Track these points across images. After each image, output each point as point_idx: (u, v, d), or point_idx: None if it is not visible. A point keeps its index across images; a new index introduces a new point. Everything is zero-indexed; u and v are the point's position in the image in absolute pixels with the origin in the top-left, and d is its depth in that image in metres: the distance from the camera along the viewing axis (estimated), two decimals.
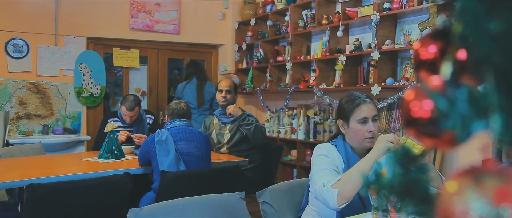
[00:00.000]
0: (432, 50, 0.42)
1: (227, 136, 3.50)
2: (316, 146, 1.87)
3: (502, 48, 0.35)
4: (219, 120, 3.60)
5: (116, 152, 3.05)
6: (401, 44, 3.55)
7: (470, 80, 0.37)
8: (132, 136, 3.50)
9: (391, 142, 1.56)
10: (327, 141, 1.94)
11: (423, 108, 0.37)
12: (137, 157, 2.93)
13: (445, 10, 0.42)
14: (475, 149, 0.43)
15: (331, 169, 1.71)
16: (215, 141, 3.56)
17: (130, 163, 2.99)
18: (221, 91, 3.59)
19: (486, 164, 0.36)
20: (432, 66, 0.42)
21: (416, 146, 1.31)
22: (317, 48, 4.49)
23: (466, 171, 0.35)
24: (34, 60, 4.54)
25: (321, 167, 1.72)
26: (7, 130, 4.11)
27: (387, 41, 3.63)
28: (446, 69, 0.38)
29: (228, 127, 3.53)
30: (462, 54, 0.38)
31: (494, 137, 0.36)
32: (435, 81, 0.38)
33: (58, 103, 4.67)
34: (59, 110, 4.68)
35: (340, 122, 1.84)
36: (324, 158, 1.77)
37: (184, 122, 2.89)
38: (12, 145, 3.94)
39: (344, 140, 1.84)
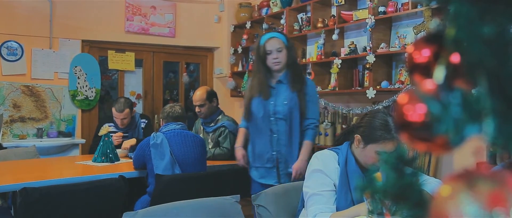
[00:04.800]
0: (425, 54, 0.42)
1: (210, 144, 3.45)
2: (314, 154, 1.83)
3: (495, 52, 0.35)
4: (203, 128, 3.56)
5: (110, 155, 3.03)
6: (396, 47, 3.57)
7: (463, 84, 0.37)
8: (113, 135, 3.47)
9: None
10: (331, 146, 1.89)
11: (416, 112, 0.37)
12: (132, 160, 2.92)
13: (439, 14, 0.42)
14: (471, 152, 0.44)
15: (325, 191, 1.68)
16: None
17: (125, 166, 2.97)
18: (195, 106, 3.50)
19: (479, 167, 0.36)
20: (426, 70, 0.42)
21: None
22: (313, 51, 4.50)
23: (460, 175, 0.35)
24: (29, 63, 4.52)
25: (314, 190, 1.68)
26: (1, 133, 4.08)
27: (382, 45, 3.64)
28: (439, 73, 0.38)
29: (210, 137, 3.46)
30: (455, 58, 0.38)
31: (488, 140, 0.36)
32: (428, 85, 0.38)
33: (53, 107, 4.65)
34: (53, 113, 4.65)
35: (358, 137, 1.69)
36: (319, 175, 1.71)
37: (180, 125, 2.88)
38: (6, 148, 3.91)
39: (350, 148, 1.75)
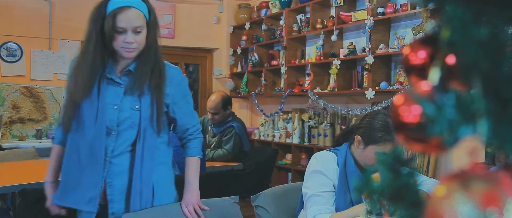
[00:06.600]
0: (421, 55, 0.42)
1: (213, 144, 3.47)
2: (313, 154, 1.83)
3: (489, 54, 0.36)
4: (211, 128, 3.57)
5: None
6: (395, 48, 3.57)
7: (458, 85, 0.37)
8: None
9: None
10: (331, 146, 1.89)
11: (412, 113, 0.38)
12: None
13: (435, 16, 0.43)
14: (468, 153, 0.44)
15: (324, 192, 1.68)
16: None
17: None
18: (208, 112, 3.46)
19: (474, 168, 0.36)
20: (422, 72, 0.42)
21: None
22: (312, 52, 4.51)
23: (455, 175, 0.35)
24: (28, 64, 4.53)
25: (314, 190, 1.69)
26: (0, 134, 4.08)
27: (381, 46, 3.65)
28: (434, 74, 0.39)
29: (217, 137, 3.47)
30: (450, 59, 0.38)
31: (483, 141, 0.37)
32: (423, 86, 0.39)
33: (52, 108, 4.65)
34: (53, 114, 4.65)
35: (358, 138, 1.68)
36: (318, 176, 1.71)
37: None
38: (5, 149, 3.91)
39: (349, 149, 1.75)
